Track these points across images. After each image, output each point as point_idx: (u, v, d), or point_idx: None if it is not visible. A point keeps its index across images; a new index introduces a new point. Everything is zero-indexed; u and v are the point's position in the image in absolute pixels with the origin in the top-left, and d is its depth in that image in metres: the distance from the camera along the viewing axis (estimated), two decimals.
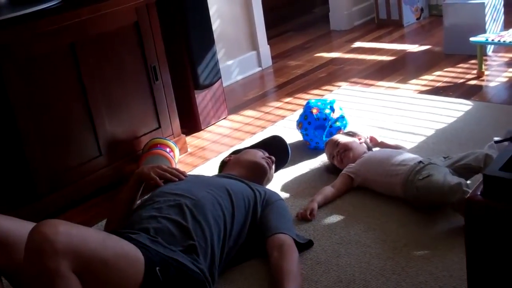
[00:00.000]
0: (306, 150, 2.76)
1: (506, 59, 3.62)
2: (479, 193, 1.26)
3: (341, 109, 2.75)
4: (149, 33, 2.74)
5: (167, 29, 3.03)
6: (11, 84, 2.30)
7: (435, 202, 2.05)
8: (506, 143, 1.36)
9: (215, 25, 3.70)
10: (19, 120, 2.34)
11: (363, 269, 1.86)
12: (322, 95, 3.42)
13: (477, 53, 3.38)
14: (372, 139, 2.56)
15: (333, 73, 3.85)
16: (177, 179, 2.03)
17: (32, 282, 1.43)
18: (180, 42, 3.10)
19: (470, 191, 1.94)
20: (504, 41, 3.28)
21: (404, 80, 3.51)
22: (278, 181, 2.48)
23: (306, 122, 2.71)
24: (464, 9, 3.67)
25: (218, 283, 1.85)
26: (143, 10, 2.70)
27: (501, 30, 3.74)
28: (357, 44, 4.41)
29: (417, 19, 4.78)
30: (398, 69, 3.74)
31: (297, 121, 2.79)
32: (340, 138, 2.49)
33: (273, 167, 2.35)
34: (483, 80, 3.34)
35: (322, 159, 2.64)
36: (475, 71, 3.43)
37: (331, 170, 2.50)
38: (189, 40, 3.09)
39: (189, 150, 3.03)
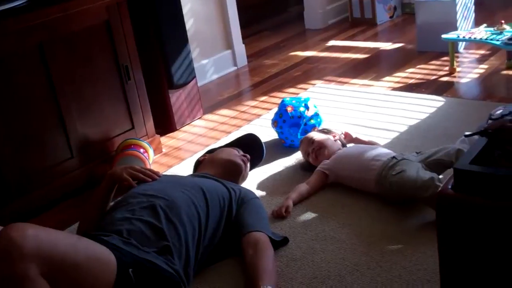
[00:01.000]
0: (281, 148, 2.75)
1: (477, 56, 3.67)
2: (450, 187, 1.26)
3: (315, 106, 2.75)
4: (121, 32, 2.70)
5: (139, 28, 2.99)
6: None
7: (408, 197, 2.06)
8: (476, 137, 1.37)
9: (189, 24, 3.67)
10: None
11: (338, 265, 1.86)
12: (297, 94, 3.42)
13: (449, 50, 3.41)
14: (347, 135, 2.57)
15: (308, 72, 3.85)
16: (150, 180, 2.01)
17: (0, 287, 1.39)
18: (153, 41, 3.07)
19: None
20: (475, 38, 3.32)
21: (377, 78, 3.53)
22: (253, 179, 2.47)
23: (281, 120, 2.70)
24: (436, 7, 3.70)
25: (193, 283, 1.83)
26: (114, 8, 2.66)
27: (472, 27, 3.78)
28: (332, 42, 4.42)
29: (390, 17, 4.81)
30: (372, 66, 3.76)
31: (272, 119, 2.78)
32: (315, 135, 2.49)
33: (248, 165, 2.34)
34: (455, 77, 3.38)
35: (297, 157, 2.63)
36: (447, 68, 3.47)
37: (305, 168, 2.49)
38: (162, 39, 3.06)
39: (164, 150, 3.00)
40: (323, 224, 2.10)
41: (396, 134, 2.71)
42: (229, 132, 3.07)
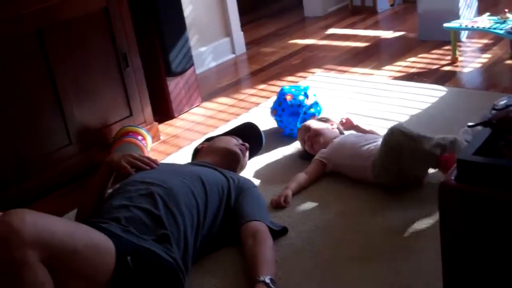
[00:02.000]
0: (280, 137, 2.75)
1: (480, 45, 3.66)
2: (453, 178, 1.26)
3: (315, 95, 2.75)
4: (119, 19, 2.69)
5: (138, 15, 2.98)
6: None
7: (407, 163, 2.04)
8: (479, 127, 1.37)
9: (187, 11, 3.65)
10: None
11: (338, 255, 1.87)
12: (296, 82, 3.41)
13: (451, 39, 3.40)
14: (347, 121, 2.57)
15: (307, 60, 3.84)
16: (148, 168, 2.01)
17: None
18: (151, 28, 3.05)
19: (444, 143, 1.97)
20: (477, 27, 3.31)
21: (378, 66, 3.52)
22: (252, 168, 2.47)
23: (280, 109, 2.70)
24: None
25: (192, 271, 1.83)
26: None
27: (474, 16, 3.77)
28: (331, 30, 4.40)
29: (391, 5, 4.79)
30: (372, 55, 3.75)
31: (271, 108, 2.78)
32: (312, 123, 2.50)
33: (247, 154, 2.34)
34: (457, 66, 3.37)
35: (295, 146, 2.63)
36: (449, 57, 3.46)
37: (304, 157, 2.50)
38: (160, 26, 3.04)
39: (162, 138, 3.00)
40: (323, 213, 2.10)
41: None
42: (228, 121, 3.06)
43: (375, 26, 4.38)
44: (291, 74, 3.61)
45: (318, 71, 3.59)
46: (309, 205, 2.17)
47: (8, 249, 1.38)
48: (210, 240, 1.94)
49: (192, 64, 3.28)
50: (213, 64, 3.96)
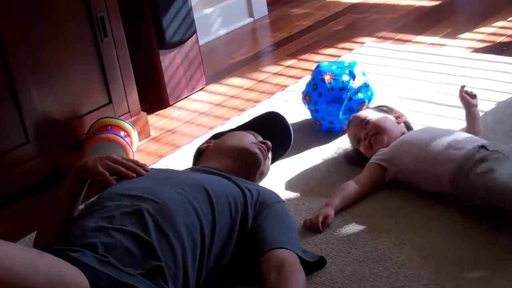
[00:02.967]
0: (316, 132, 2.77)
1: None
2: None
3: (364, 74, 2.76)
4: None
5: None
6: None
7: (495, 207, 2.05)
8: None
9: None
10: None
11: None
12: (338, 56, 3.43)
13: None
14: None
15: (353, 25, 3.85)
16: (134, 175, 2.03)
17: None
18: None
19: None
20: None
21: (452, 34, 3.52)
22: (277, 176, 2.49)
23: (315, 94, 2.71)
24: None
25: None
26: None
27: None
28: None
29: None
30: (444, 18, 3.75)
31: (303, 92, 2.79)
32: (370, 114, 2.48)
33: (269, 156, 2.35)
34: None
35: (339, 145, 2.64)
36: None
37: (353, 160, 2.50)
38: None
39: (152, 134, 3.03)
40: (375, 239, 2.10)
41: (479, 113, 2.70)
42: (243, 110, 3.09)
43: None
44: (330, 46, 3.62)
45: (368, 40, 3.60)
46: (356, 227, 2.17)
47: None
48: (219, 275, 1.95)
49: (194, 32, 3.30)
50: (223, 31, 3.99)
